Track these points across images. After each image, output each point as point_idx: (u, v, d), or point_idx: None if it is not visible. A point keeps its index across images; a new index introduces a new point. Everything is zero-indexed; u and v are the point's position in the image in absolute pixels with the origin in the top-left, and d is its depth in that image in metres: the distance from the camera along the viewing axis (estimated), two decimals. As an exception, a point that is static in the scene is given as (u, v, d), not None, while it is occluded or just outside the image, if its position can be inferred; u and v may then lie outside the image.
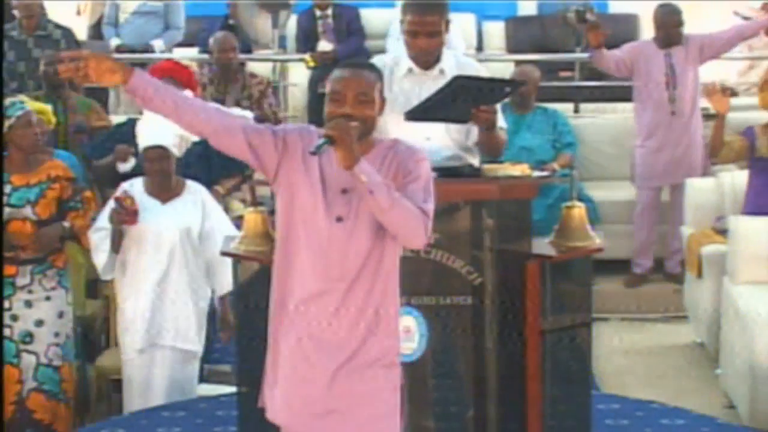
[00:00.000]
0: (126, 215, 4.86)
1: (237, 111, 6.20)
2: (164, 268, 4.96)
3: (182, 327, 5.00)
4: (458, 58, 4.24)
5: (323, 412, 3.15)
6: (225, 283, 5.03)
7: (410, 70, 4.09)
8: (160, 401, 4.97)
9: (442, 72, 4.06)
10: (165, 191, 5.07)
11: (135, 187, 5.07)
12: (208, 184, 5.44)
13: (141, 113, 5.46)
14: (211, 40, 7.18)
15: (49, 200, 4.88)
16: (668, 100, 6.92)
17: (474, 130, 4.05)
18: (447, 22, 4.07)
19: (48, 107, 5.30)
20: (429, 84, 3.96)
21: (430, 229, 3.05)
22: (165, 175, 5.05)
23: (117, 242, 4.95)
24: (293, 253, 3.14)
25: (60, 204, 4.91)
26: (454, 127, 4.07)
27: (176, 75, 5.67)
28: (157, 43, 8.28)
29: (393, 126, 3.84)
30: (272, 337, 3.22)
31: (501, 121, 4.12)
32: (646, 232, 7.10)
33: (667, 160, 6.97)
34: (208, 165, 5.67)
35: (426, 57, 4.08)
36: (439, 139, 4.04)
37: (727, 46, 7.10)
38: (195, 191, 5.13)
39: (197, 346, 5.08)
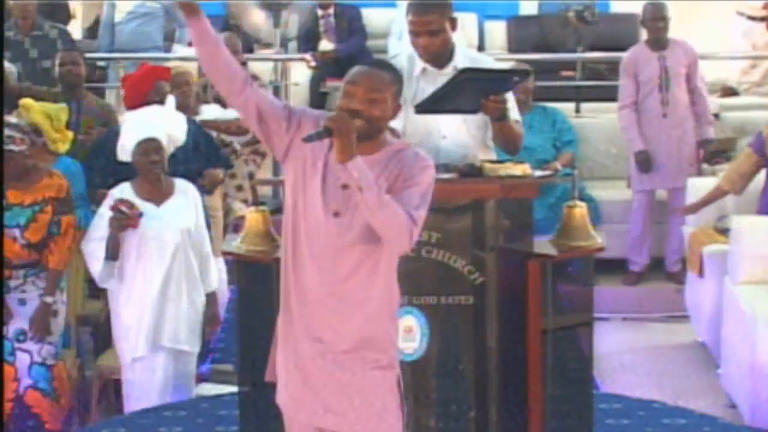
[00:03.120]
0: (129, 219, 4.77)
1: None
2: (166, 271, 4.87)
3: (180, 328, 4.94)
4: (471, 55, 4.21)
5: (320, 410, 3.17)
6: (213, 279, 5.11)
7: (424, 70, 4.05)
8: (157, 402, 4.94)
9: (456, 70, 3.98)
10: (157, 193, 4.94)
11: (125, 192, 4.90)
12: (194, 178, 5.38)
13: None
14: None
15: (41, 224, 4.80)
16: (660, 103, 6.89)
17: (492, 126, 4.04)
18: (452, 20, 4.03)
19: (64, 108, 5.29)
20: (444, 83, 3.92)
21: (416, 235, 3.03)
22: (159, 169, 4.90)
23: (114, 249, 4.82)
24: (296, 245, 3.14)
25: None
26: (473, 125, 4.06)
27: (165, 77, 5.67)
28: (178, 47, 8.17)
29: (410, 125, 3.85)
30: (279, 327, 3.24)
31: (515, 114, 4.09)
32: (641, 230, 7.08)
33: (660, 163, 6.95)
34: (195, 158, 5.61)
35: (433, 56, 4.04)
36: (456, 138, 4.02)
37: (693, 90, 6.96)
38: (185, 190, 5.02)
39: (194, 345, 5.02)
